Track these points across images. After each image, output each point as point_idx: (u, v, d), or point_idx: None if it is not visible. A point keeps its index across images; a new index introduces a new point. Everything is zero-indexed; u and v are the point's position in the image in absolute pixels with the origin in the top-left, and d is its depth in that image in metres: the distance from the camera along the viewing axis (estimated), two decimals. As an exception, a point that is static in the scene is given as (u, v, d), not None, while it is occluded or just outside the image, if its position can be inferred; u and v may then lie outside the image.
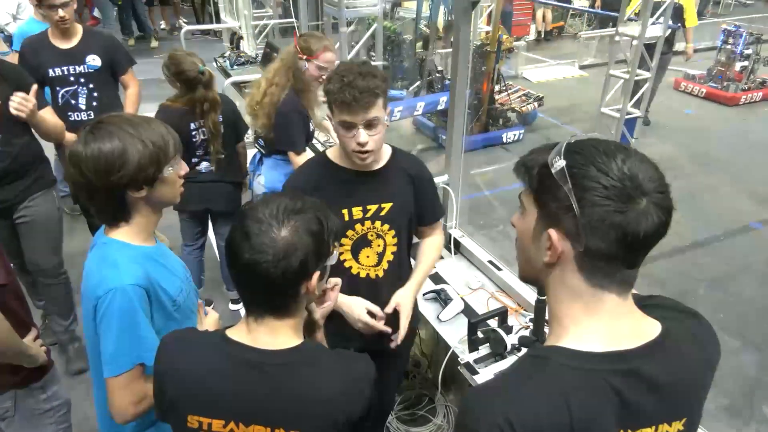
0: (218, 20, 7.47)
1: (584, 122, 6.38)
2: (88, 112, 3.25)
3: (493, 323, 2.08)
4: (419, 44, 6.36)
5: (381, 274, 1.89)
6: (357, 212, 1.80)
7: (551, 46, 10.21)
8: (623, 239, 0.81)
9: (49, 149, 2.86)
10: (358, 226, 1.81)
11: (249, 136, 3.30)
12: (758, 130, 6.70)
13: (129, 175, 1.30)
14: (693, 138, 6.39)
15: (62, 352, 3.02)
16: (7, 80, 2.39)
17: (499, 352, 1.99)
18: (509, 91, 6.36)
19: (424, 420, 2.74)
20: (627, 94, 4.44)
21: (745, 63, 7.20)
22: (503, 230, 4.37)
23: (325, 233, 1.11)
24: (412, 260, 2.04)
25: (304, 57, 2.74)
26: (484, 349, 2.03)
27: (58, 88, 3.19)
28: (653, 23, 4.24)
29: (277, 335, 1.12)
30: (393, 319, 1.87)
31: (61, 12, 3.02)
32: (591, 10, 9.41)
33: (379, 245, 1.86)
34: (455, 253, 2.76)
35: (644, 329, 0.90)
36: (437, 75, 6.06)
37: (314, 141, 3.15)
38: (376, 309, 1.85)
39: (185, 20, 10.09)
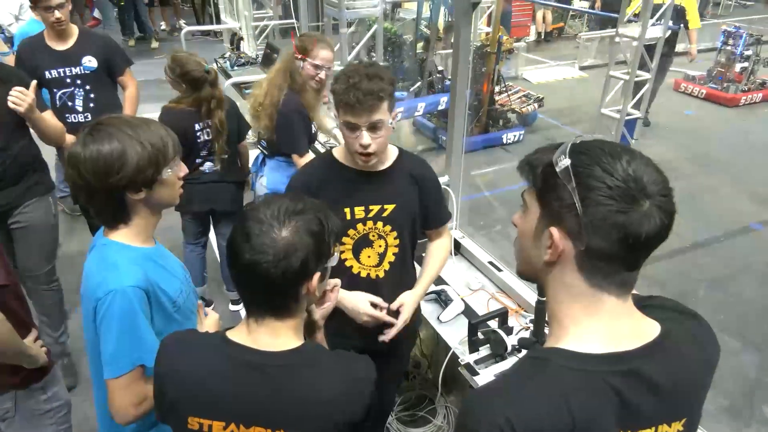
0: (218, 21, 7.48)
1: (584, 123, 6.38)
2: (85, 114, 3.24)
3: (493, 324, 2.08)
4: (420, 45, 6.37)
5: (381, 274, 1.89)
6: (359, 212, 1.80)
7: (551, 47, 10.22)
8: (624, 240, 0.81)
9: (49, 151, 2.85)
10: (359, 226, 1.81)
11: (250, 137, 3.31)
12: (758, 131, 6.70)
13: (128, 176, 1.30)
14: (693, 139, 6.39)
15: None
16: (5, 83, 2.37)
17: (499, 353, 1.99)
18: (509, 92, 6.36)
19: (424, 421, 2.74)
20: (627, 95, 4.45)
21: (745, 64, 7.20)
22: (503, 231, 4.37)
23: (325, 234, 1.12)
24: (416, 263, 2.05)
25: (300, 56, 2.75)
26: (484, 350, 2.03)
27: (55, 90, 3.18)
28: (653, 24, 4.24)
29: (278, 336, 1.12)
30: (395, 317, 1.89)
31: (57, 13, 3.00)
32: (591, 11, 9.41)
33: (380, 246, 1.86)
34: (455, 254, 2.76)
35: (644, 330, 0.90)
36: (438, 75, 6.07)
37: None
38: (378, 300, 1.86)
39: (184, 21, 10.08)
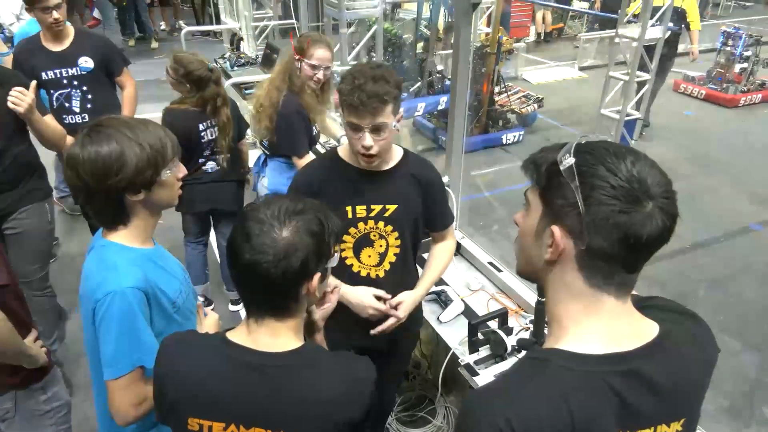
0: (218, 21, 7.48)
1: (584, 124, 6.38)
2: (83, 115, 3.23)
3: (493, 325, 2.08)
4: (420, 45, 6.37)
5: (382, 274, 1.89)
6: (360, 211, 1.80)
7: (551, 48, 10.22)
8: (625, 240, 0.81)
9: (48, 151, 2.84)
10: (360, 225, 1.82)
11: (249, 136, 3.31)
12: (758, 131, 6.70)
13: (127, 178, 1.30)
14: (692, 139, 6.39)
15: None
16: (4, 85, 2.35)
17: (499, 353, 1.99)
18: (509, 93, 6.37)
19: (424, 421, 2.74)
20: (627, 96, 4.45)
21: (745, 65, 7.21)
22: (503, 231, 4.37)
23: (325, 234, 1.12)
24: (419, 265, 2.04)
25: (298, 57, 2.75)
26: (484, 351, 2.03)
27: (52, 91, 3.17)
28: (653, 25, 4.24)
29: (278, 337, 1.12)
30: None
31: (55, 14, 2.99)
32: (591, 11, 9.42)
33: (381, 245, 1.86)
34: (455, 255, 2.76)
35: (643, 330, 0.90)
36: (437, 76, 6.07)
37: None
38: (382, 293, 1.87)
39: (184, 21, 10.08)
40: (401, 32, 6.17)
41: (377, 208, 1.80)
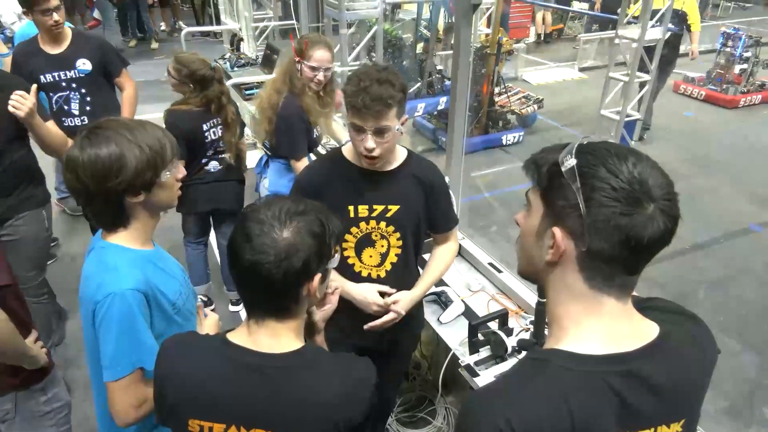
0: (218, 22, 7.48)
1: (584, 124, 6.38)
2: (82, 117, 3.22)
3: (493, 325, 2.08)
4: (419, 45, 6.38)
5: (383, 274, 1.89)
6: (363, 210, 1.80)
7: (551, 49, 10.23)
8: (626, 242, 0.81)
9: (47, 157, 2.82)
10: (362, 224, 1.82)
11: (249, 137, 3.32)
12: (757, 132, 6.71)
13: (127, 180, 1.29)
14: (692, 140, 6.40)
15: None
16: (5, 90, 2.32)
17: (499, 354, 1.99)
18: (509, 94, 6.37)
19: (424, 422, 2.74)
20: (627, 97, 4.45)
21: (745, 66, 7.21)
22: (504, 232, 4.37)
23: (326, 235, 1.12)
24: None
25: (297, 59, 2.75)
26: (484, 351, 2.03)
27: (51, 94, 3.16)
28: (653, 26, 4.24)
29: (279, 338, 1.12)
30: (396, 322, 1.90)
31: (55, 16, 2.98)
32: (591, 12, 9.42)
33: (382, 246, 1.86)
34: (456, 255, 2.76)
35: (643, 331, 0.90)
36: (437, 76, 6.08)
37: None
38: (386, 288, 1.88)
39: (184, 22, 10.09)
40: (401, 32, 6.18)
41: (379, 208, 1.81)
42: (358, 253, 1.86)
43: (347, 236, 1.82)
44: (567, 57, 9.41)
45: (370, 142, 1.65)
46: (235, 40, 6.01)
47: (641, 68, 4.43)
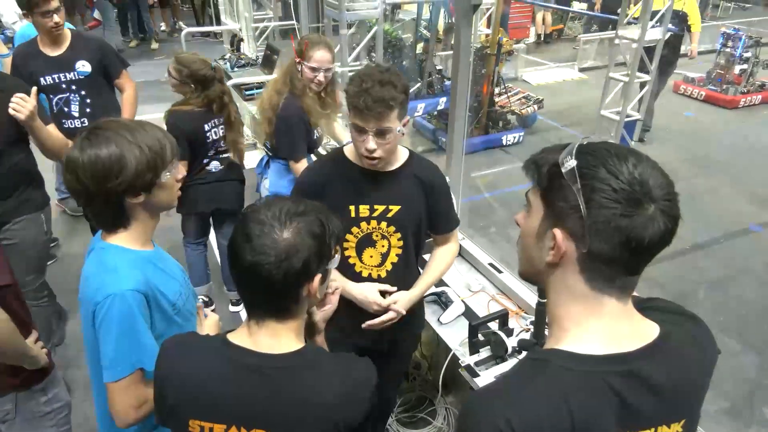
0: (218, 22, 7.48)
1: (584, 125, 6.39)
2: (82, 119, 3.21)
3: (493, 326, 2.08)
4: (419, 45, 6.39)
5: (384, 275, 1.89)
6: (364, 210, 1.80)
7: (551, 49, 10.24)
8: (627, 244, 0.81)
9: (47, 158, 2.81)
10: (363, 224, 1.82)
11: (249, 137, 3.32)
12: (757, 132, 6.71)
13: (127, 181, 1.29)
14: (692, 141, 6.41)
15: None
16: (5, 92, 2.31)
17: (499, 354, 1.99)
18: (509, 94, 6.37)
19: (424, 422, 2.74)
20: (627, 97, 4.45)
21: (745, 66, 7.22)
22: (504, 232, 4.37)
23: (326, 235, 1.12)
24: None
25: (298, 60, 2.75)
26: (484, 352, 2.03)
27: (51, 96, 3.16)
28: (653, 26, 4.24)
29: (279, 338, 1.12)
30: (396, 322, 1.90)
31: (56, 17, 2.98)
32: (591, 13, 9.43)
33: (383, 246, 1.86)
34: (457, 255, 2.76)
35: (644, 331, 0.90)
36: (437, 76, 6.08)
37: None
38: (386, 287, 1.88)
39: (184, 23, 10.09)
40: (401, 33, 6.18)
41: (380, 208, 1.81)
42: (359, 253, 1.87)
43: (348, 236, 1.82)
44: (567, 57, 9.41)
45: (371, 143, 1.65)
46: (235, 41, 6.01)
47: (641, 69, 4.44)
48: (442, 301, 2.40)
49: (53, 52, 3.12)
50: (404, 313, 1.89)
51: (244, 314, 1.16)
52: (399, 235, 1.85)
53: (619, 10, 4.38)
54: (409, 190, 1.83)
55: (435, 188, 1.87)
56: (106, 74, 3.27)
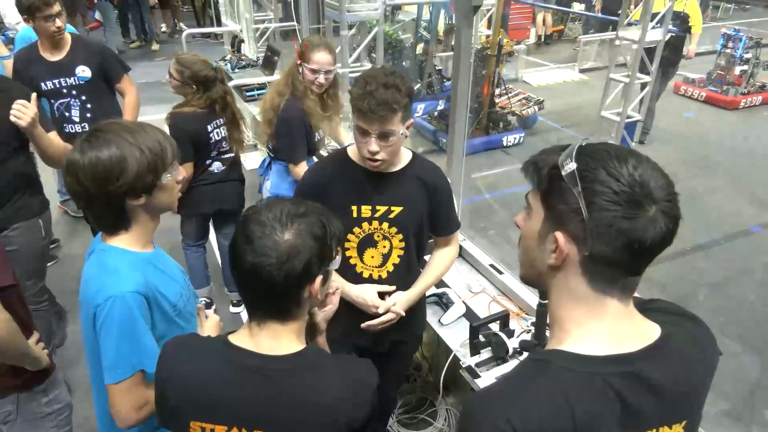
0: (219, 23, 7.48)
1: (584, 126, 6.39)
2: (82, 124, 3.20)
3: (494, 327, 2.08)
4: (419, 46, 6.39)
5: (384, 275, 1.90)
6: (366, 210, 1.81)
7: (551, 50, 10.24)
8: (629, 246, 0.81)
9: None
10: (365, 225, 1.82)
11: (249, 138, 3.33)
12: (758, 134, 6.71)
13: (128, 183, 1.30)
14: (693, 142, 6.40)
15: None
16: (5, 91, 2.30)
17: (500, 355, 1.99)
18: (509, 95, 6.37)
19: (425, 424, 2.74)
20: (627, 98, 4.46)
21: (745, 67, 7.22)
22: (504, 233, 4.37)
23: (328, 237, 1.12)
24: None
25: (299, 62, 2.75)
26: (485, 353, 2.03)
27: (52, 101, 3.15)
28: (653, 27, 4.25)
29: (280, 340, 1.12)
30: (397, 323, 1.90)
31: (58, 22, 2.97)
32: (591, 14, 9.43)
33: (384, 247, 1.86)
34: (457, 257, 2.76)
35: (645, 332, 0.90)
36: (436, 76, 6.08)
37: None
38: (384, 288, 1.88)
39: (184, 24, 10.10)
40: (401, 33, 6.18)
41: (382, 209, 1.81)
42: (360, 253, 1.87)
43: (350, 236, 1.83)
44: (567, 58, 9.42)
45: (374, 145, 1.66)
46: (236, 42, 6.01)
47: (642, 70, 4.44)
48: (443, 302, 2.40)
49: (54, 57, 3.11)
50: (403, 314, 1.89)
51: (245, 315, 1.16)
52: (401, 236, 1.85)
53: (620, 12, 4.38)
54: (412, 191, 1.83)
55: (437, 190, 1.87)
56: (107, 78, 3.25)
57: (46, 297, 2.82)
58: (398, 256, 1.88)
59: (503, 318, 2.09)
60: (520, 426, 0.81)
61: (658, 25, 4.32)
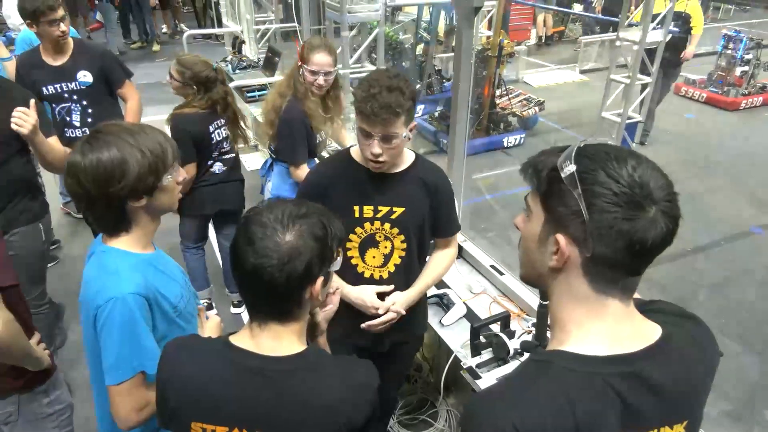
0: (220, 24, 7.49)
1: (585, 127, 6.39)
2: (83, 129, 3.19)
3: (495, 328, 2.08)
4: (419, 47, 6.39)
5: (386, 275, 1.90)
6: (368, 211, 1.81)
7: (552, 51, 10.24)
8: (630, 247, 0.81)
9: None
10: (367, 225, 1.83)
11: (251, 139, 3.33)
12: (759, 134, 6.71)
13: (129, 185, 1.30)
14: (693, 142, 6.40)
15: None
16: (6, 97, 2.29)
17: (501, 356, 1.99)
18: (510, 96, 6.38)
19: (425, 425, 2.74)
20: (628, 99, 4.46)
21: (746, 68, 7.22)
22: (505, 234, 4.37)
23: (329, 238, 1.12)
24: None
25: (300, 63, 2.75)
26: (486, 354, 2.03)
27: (54, 106, 3.14)
28: (654, 28, 4.25)
29: (281, 341, 1.12)
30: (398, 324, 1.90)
31: (62, 26, 2.96)
32: (592, 15, 9.43)
33: (386, 247, 1.87)
34: (457, 258, 2.76)
35: (645, 332, 0.90)
36: (436, 77, 6.08)
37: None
38: (383, 288, 1.89)
39: (185, 25, 10.10)
40: (401, 33, 6.18)
41: (384, 209, 1.82)
42: (362, 253, 1.87)
43: (351, 236, 1.83)
44: (568, 59, 9.42)
45: (376, 148, 1.66)
46: (237, 43, 6.01)
47: (642, 70, 4.44)
48: (444, 303, 2.40)
49: (55, 62, 3.10)
50: (404, 312, 1.89)
51: (245, 316, 1.17)
52: (403, 237, 1.85)
53: (620, 15, 4.39)
54: (414, 192, 1.83)
55: (439, 191, 1.87)
56: (109, 84, 3.24)
57: (47, 300, 2.82)
58: (400, 257, 1.89)
59: (504, 319, 2.09)
60: (522, 427, 0.81)
61: (659, 26, 4.33)
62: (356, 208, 1.80)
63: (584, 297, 0.88)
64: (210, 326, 1.59)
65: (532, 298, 2.31)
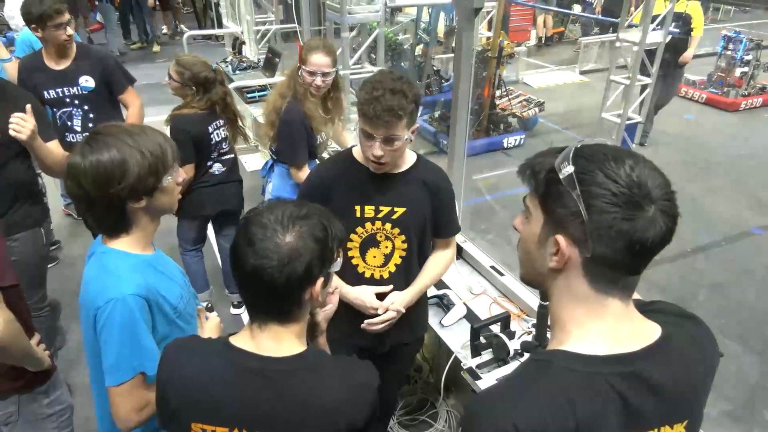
0: (220, 25, 7.49)
1: (585, 127, 6.39)
2: (84, 134, 3.09)
3: (495, 328, 2.08)
4: (419, 47, 6.39)
5: (386, 275, 1.90)
6: (369, 211, 1.82)
7: (552, 52, 10.24)
8: (630, 247, 0.81)
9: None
10: (368, 225, 1.83)
11: (251, 139, 3.34)
12: (758, 135, 6.71)
13: (129, 186, 1.30)
14: (693, 143, 6.40)
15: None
16: (9, 100, 2.27)
17: (501, 357, 1.99)
18: (510, 97, 6.38)
19: (425, 425, 2.74)
20: (628, 100, 4.46)
21: (745, 69, 7.22)
22: (505, 235, 4.37)
23: (329, 239, 1.12)
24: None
25: (299, 64, 2.76)
26: (486, 354, 2.03)
27: (55, 110, 3.13)
28: (654, 29, 4.25)
29: (281, 341, 1.12)
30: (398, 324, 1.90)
31: (69, 30, 2.96)
32: (592, 16, 9.44)
33: (387, 247, 1.87)
34: (457, 259, 2.76)
35: (645, 332, 0.90)
36: (435, 77, 6.08)
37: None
38: (382, 289, 1.89)
39: (185, 25, 10.11)
40: (401, 34, 6.18)
41: (385, 209, 1.82)
42: (362, 253, 1.87)
43: (352, 236, 1.84)
44: (568, 60, 9.42)
45: (378, 149, 1.67)
46: (237, 44, 6.02)
47: (642, 71, 4.44)
48: (444, 304, 2.40)
49: (58, 66, 3.09)
50: (403, 310, 1.89)
51: (245, 316, 1.17)
52: (403, 237, 1.86)
53: (620, 16, 4.39)
54: (415, 193, 1.84)
55: (440, 191, 1.88)
56: (110, 90, 3.22)
57: (47, 303, 2.81)
58: (400, 257, 1.89)
59: (504, 319, 2.09)
60: (522, 426, 0.82)
61: (659, 27, 4.33)
62: (357, 207, 1.81)
63: (584, 297, 0.88)
64: (210, 327, 1.59)
65: (532, 298, 2.31)
